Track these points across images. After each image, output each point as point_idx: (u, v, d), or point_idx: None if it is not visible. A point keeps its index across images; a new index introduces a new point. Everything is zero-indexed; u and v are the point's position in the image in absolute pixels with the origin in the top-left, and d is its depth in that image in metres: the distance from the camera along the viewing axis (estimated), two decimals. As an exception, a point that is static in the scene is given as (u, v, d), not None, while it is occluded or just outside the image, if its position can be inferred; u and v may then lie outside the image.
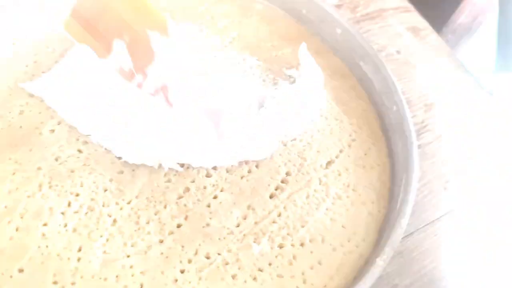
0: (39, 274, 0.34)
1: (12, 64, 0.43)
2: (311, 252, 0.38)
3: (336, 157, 0.44)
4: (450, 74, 0.59)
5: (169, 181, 0.39)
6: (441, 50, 0.61)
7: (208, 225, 0.37)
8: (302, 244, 0.38)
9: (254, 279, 0.36)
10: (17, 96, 0.41)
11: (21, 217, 0.35)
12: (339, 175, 0.43)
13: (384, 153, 0.46)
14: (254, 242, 0.37)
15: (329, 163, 0.43)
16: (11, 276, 0.33)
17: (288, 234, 0.38)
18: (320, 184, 0.42)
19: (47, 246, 0.34)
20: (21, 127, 0.39)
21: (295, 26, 0.54)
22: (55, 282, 0.34)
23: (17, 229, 0.35)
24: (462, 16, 0.76)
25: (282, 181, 0.41)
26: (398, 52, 0.59)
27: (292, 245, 0.38)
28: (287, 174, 0.41)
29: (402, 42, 0.60)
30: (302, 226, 0.39)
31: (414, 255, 0.44)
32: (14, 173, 0.37)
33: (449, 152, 0.52)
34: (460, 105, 0.56)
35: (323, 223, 0.39)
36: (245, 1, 0.54)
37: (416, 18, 0.64)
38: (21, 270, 0.34)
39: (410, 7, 0.65)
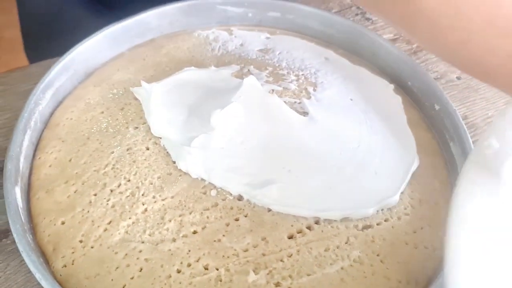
0: (72, 229, 0.40)
1: (138, 73, 0.53)
2: (306, 302, 0.37)
3: (378, 224, 0.41)
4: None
5: (204, 193, 0.42)
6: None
7: (219, 240, 0.39)
8: (299, 291, 0.37)
9: (238, 305, 0.36)
10: (127, 96, 0.50)
11: (82, 184, 0.43)
12: (373, 241, 0.40)
13: (440, 238, 0.41)
14: (253, 270, 0.38)
15: (366, 226, 0.41)
16: (54, 225, 0.41)
17: (289, 276, 0.38)
18: (346, 242, 0.40)
19: (88, 211, 0.41)
20: (117, 119, 0.48)
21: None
22: (80, 241, 0.40)
23: (75, 191, 0.43)
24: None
25: (308, 227, 0.41)
26: (458, 78, 0.58)
27: (289, 288, 0.37)
28: (316, 222, 0.41)
29: (462, 67, 0.59)
30: (308, 275, 0.38)
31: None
32: (94, 150, 0.45)
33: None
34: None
35: (331, 280, 0.38)
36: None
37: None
38: (63, 223, 0.41)
39: None
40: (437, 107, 0.50)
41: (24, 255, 0.37)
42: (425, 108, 0.51)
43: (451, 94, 0.57)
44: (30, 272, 0.36)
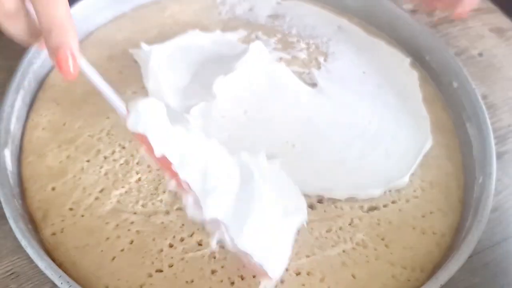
0: (63, 196, 0.38)
1: (139, 35, 0.50)
2: (303, 285, 0.35)
3: (385, 206, 0.39)
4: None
5: (203, 164, 0.40)
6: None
7: (215, 215, 0.37)
8: (297, 273, 0.35)
9: (232, 283, 0.34)
10: (126, 58, 0.48)
11: (76, 149, 0.41)
12: (378, 224, 0.38)
13: (450, 224, 0.39)
14: (249, 249, 0.36)
15: (372, 208, 0.39)
16: (45, 190, 0.39)
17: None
18: (349, 224, 0.38)
19: (80, 178, 0.39)
20: (115, 83, 0.46)
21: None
22: (71, 209, 0.38)
23: (67, 157, 0.40)
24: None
25: (310, 206, 0.38)
26: (480, 54, 0.55)
27: (287, 269, 0.35)
28: (319, 201, 0.39)
29: (485, 44, 0.56)
30: (307, 256, 0.36)
31: (504, 265, 0.39)
32: (89, 115, 0.43)
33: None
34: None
35: (331, 263, 0.36)
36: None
37: (500, 19, 0.59)
38: (53, 188, 0.39)
39: (493, 7, 0.60)
40: (455, 85, 0.47)
41: (10, 221, 0.35)
42: (442, 85, 0.48)
43: (471, 71, 0.53)
44: (19, 237, 0.35)
